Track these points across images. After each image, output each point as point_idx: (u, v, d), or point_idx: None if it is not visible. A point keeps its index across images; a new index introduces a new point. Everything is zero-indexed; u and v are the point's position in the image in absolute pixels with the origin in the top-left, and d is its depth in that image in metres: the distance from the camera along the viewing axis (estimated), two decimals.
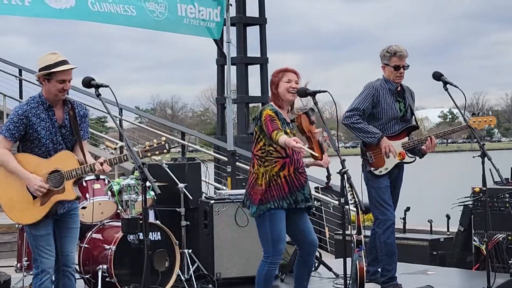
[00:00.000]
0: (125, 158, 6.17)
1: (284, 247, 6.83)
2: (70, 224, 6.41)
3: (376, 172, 7.88)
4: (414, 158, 8.03)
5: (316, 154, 6.59)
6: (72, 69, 6.23)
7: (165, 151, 6.09)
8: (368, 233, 8.35)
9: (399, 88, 7.99)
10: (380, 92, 7.89)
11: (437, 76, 7.74)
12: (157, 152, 6.08)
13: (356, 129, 7.83)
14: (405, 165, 8.09)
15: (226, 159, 13.14)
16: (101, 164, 6.10)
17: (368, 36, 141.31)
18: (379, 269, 8.08)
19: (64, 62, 6.20)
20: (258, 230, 6.75)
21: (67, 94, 6.41)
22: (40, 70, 6.22)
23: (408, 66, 7.94)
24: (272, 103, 6.77)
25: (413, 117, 8.14)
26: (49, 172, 6.21)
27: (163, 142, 6.09)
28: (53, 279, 6.39)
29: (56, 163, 6.22)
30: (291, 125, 6.75)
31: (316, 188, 13.22)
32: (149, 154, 6.07)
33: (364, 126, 7.82)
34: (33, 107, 6.22)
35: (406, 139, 7.97)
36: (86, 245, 8.33)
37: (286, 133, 6.57)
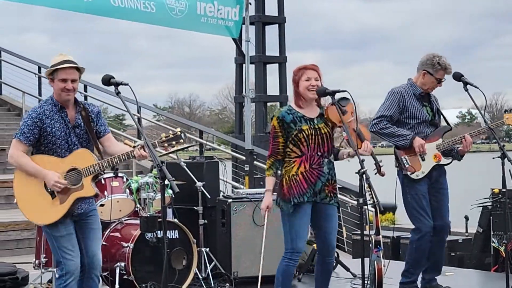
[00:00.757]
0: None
1: (304, 245, 6.80)
2: (91, 225, 6.34)
3: (413, 176, 7.68)
4: (450, 160, 7.80)
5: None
6: (75, 68, 6.17)
7: (181, 140, 6.04)
8: (385, 233, 8.27)
9: (423, 93, 7.81)
10: (406, 97, 7.71)
11: (458, 77, 7.66)
12: (173, 143, 6.03)
13: (386, 135, 7.67)
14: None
15: (244, 158, 13.14)
16: (139, 148, 6.02)
17: (388, 35, 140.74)
18: (436, 277, 7.96)
19: (67, 62, 6.16)
20: (282, 226, 6.79)
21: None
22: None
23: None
24: (291, 103, 6.79)
25: (443, 119, 7.95)
26: (67, 171, 6.17)
27: (178, 133, 6.04)
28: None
29: (73, 161, 6.17)
30: (315, 121, 6.71)
31: None
32: (165, 144, 6.03)
33: (394, 130, 7.66)
34: (46, 109, 6.19)
35: (440, 140, 7.76)
36: (104, 243, 8.32)
37: (301, 130, 6.62)
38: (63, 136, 6.18)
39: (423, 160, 7.68)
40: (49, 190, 6.17)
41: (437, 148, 7.74)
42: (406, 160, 7.71)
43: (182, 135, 6.05)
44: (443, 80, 7.76)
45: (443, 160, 7.76)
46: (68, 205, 6.14)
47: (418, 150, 7.61)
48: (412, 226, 7.83)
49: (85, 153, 6.21)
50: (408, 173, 7.68)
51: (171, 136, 6.05)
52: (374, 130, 7.73)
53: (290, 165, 6.66)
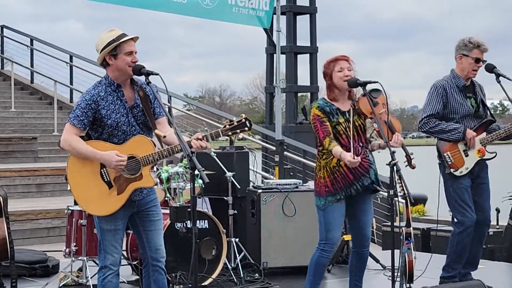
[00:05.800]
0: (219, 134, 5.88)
1: (338, 237, 6.77)
2: (152, 217, 6.08)
3: (457, 173, 7.55)
4: (494, 154, 7.65)
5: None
6: (134, 40, 5.93)
7: (246, 128, 5.84)
8: (415, 225, 8.21)
9: (467, 84, 7.65)
10: (448, 91, 7.56)
11: (490, 68, 7.56)
12: (238, 131, 5.84)
13: (437, 132, 7.54)
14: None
15: (274, 148, 13.13)
16: (199, 139, 5.73)
17: (425, 25, 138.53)
18: (471, 271, 7.86)
19: (124, 35, 5.91)
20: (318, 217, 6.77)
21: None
22: (103, 49, 5.90)
23: (486, 61, 7.61)
24: (325, 96, 6.75)
25: (488, 111, 7.76)
26: None
27: (243, 120, 5.84)
28: (119, 274, 6.07)
29: (130, 149, 5.86)
30: (347, 114, 6.68)
31: None
32: (229, 133, 5.84)
33: (444, 126, 7.52)
34: (101, 91, 5.88)
35: (484, 134, 7.62)
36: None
37: (339, 123, 6.58)
38: (119, 117, 5.86)
39: (467, 156, 7.55)
40: (106, 180, 5.87)
41: (480, 143, 7.60)
42: (449, 157, 7.59)
43: (247, 122, 5.85)
44: (481, 60, 7.57)
45: (487, 155, 7.64)
46: (126, 196, 5.87)
47: (469, 143, 7.49)
48: (446, 218, 7.73)
49: (144, 140, 5.90)
50: (451, 170, 7.56)
51: (235, 124, 5.85)
52: (425, 130, 7.60)
53: (330, 157, 6.58)
